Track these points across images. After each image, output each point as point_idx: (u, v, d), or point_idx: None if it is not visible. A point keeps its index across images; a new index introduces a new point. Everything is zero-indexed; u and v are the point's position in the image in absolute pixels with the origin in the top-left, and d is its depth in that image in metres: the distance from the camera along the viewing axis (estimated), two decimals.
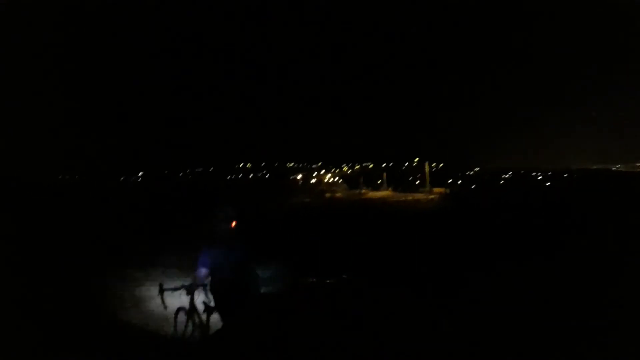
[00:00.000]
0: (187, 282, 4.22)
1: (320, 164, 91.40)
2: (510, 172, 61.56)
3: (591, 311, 4.88)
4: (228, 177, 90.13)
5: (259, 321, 3.04)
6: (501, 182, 55.39)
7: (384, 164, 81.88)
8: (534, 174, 57.50)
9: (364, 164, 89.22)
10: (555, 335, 4.22)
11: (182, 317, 4.48)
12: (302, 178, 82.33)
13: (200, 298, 4.27)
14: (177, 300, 4.33)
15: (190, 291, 4.16)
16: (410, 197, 46.47)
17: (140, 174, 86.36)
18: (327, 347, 2.58)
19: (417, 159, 76.23)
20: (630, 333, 4.18)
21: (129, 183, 76.70)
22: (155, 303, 6.20)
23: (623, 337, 4.13)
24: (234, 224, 4.32)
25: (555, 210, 20.02)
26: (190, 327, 4.27)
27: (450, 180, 58.62)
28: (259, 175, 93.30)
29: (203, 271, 4.08)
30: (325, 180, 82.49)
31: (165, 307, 4.23)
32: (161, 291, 4.34)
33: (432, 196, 44.72)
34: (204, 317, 4.28)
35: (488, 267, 7.94)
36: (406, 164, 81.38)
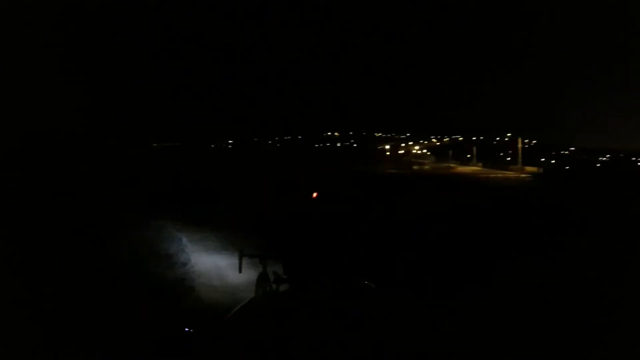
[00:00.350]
0: (264, 250, 4.38)
1: (408, 134, 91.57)
2: (608, 155, 56.87)
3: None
4: (315, 145, 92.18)
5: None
6: (597, 165, 52.31)
7: (474, 138, 79.44)
8: (634, 158, 53.13)
9: (453, 137, 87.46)
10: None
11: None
12: (389, 148, 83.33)
13: (273, 268, 4.34)
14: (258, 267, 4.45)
15: (263, 260, 4.33)
16: (500, 174, 45.95)
17: (230, 142, 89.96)
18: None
19: (509, 133, 72.99)
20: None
21: (219, 150, 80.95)
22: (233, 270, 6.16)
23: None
24: (315, 194, 4.44)
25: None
26: (260, 295, 4.34)
27: (543, 159, 55.99)
28: (346, 144, 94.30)
29: (277, 241, 4.24)
30: (413, 152, 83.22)
31: (240, 271, 4.49)
32: (240, 257, 4.56)
33: (524, 175, 43.83)
34: (273, 286, 4.32)
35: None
36: (497, 139, 78.00)
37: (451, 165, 61.48)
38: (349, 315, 2.93)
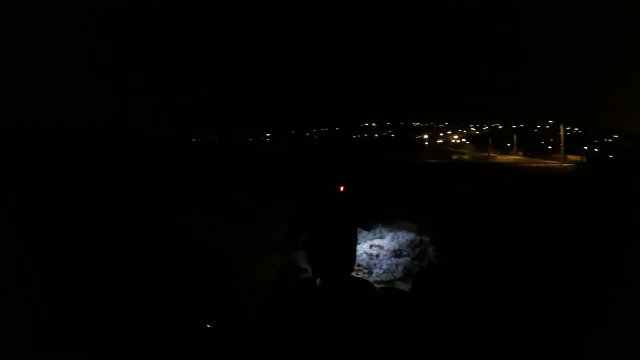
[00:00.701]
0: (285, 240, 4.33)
1: (446, 123, 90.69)
2: None
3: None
4: (353, 137, 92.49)
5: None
6: None
7: (514, 126, 77.92)
8: None
9: (492, 125, 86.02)
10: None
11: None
12: (428, 138, 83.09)
13: (293, 257, 4.41)
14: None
15: (283, 250, 4.37)
16: (542, 163, 44.70)
17: (267, 135, 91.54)
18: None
19: (550, 121, 71.10)
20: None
21: (258, 143, 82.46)
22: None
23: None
24: (342, 187, 4.26)
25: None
26: (281, 283, 4.43)
27: (585, 147, 54.93)
28: (384, 134, 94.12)
29: (298, 232, 4.03)
30: (452, 141, 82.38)
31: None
32: (262, 247, 4.57)
33: (566, 164, 42.43)
34: (289, 275, 4.47)
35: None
36: (538, 126, 76.08)
37: (491, 154, 60.86)
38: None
